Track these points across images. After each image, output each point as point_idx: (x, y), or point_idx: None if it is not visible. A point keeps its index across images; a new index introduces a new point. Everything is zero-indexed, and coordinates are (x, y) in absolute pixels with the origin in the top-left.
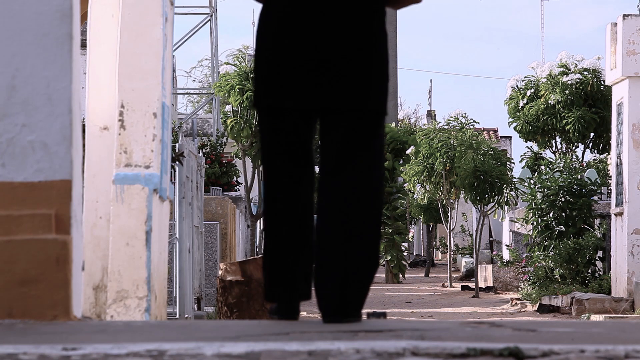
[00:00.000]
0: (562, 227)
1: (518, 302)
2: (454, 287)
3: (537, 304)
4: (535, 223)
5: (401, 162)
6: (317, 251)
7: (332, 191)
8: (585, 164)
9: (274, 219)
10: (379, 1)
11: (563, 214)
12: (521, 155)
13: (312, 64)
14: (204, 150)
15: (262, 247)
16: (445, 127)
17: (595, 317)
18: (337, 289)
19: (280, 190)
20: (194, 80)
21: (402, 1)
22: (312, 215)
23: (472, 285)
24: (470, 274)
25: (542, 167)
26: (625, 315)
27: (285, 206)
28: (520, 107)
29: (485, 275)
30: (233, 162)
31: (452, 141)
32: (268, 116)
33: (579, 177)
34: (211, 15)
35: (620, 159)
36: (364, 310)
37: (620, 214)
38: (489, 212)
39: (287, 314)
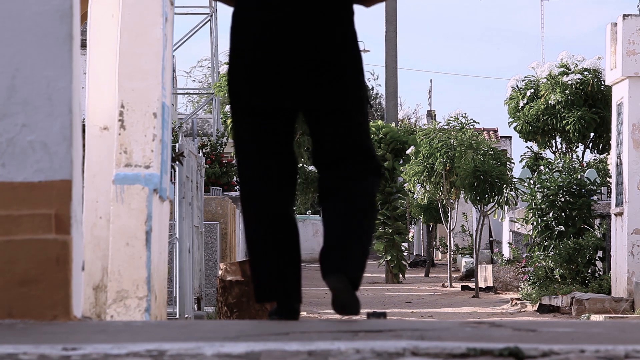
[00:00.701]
0: (561, 227)
1: (518, 302)
2: (454, 287)
3: (537, 304)
4: (535, 223)
5: (401, 162)
6: (325, 232)
7: (329, 184)
8: (585, 164)
9: (256, 219)
10: (346, 4)
11: (563, 214)
12: (521, 155)
13: (287, 64)
14: (204, 150)
15: (246, 248)
16: (445, 127)
17: (595, 317)
18: (340, 252)
19: (261, 190)
20: (194, 81)
21: (369, 3)
22: (293, 213)
23: (472, 285)
24: (470, 274)
25: (542, 167)
26: (625, 315)
27: (267, 206)
28: (520, 107)
29: (485, 275)
30: (233, 162)
31: (452, 141)
32: (246, 116)
33: (578, 177)
34: (211, 15)
35: (620, 159)
36: (364, 310)
37: (620, 214)
38: (489, 212)
39: (287, 314)
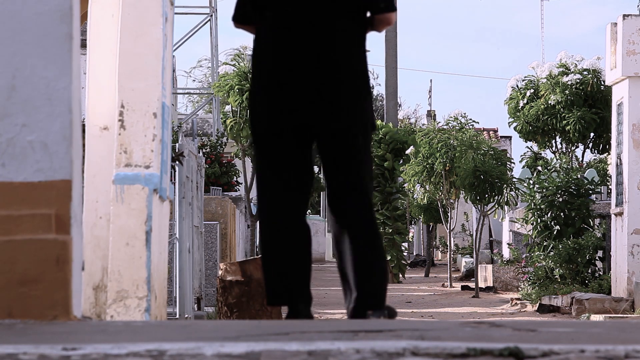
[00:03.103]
0: (560, 226)
1: (518, 302)
2: (454, 287)
3: (537, 304)
4: (534, 223)
5: (401, 162)
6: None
7: (337, 200)
8: (585, 164)
9: (274, 226)
10: (360, 28)
11: (562, 213)
12: (521, 155)
13: (304, 90)
14: (204, 150)
15: (262, 256)
16: (445, 127)
17: (595, 317)
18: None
19: (279, 200)
20: (194, 81)
21: (380, 27)
22: (306, 222)
23: (472, 285)
24: (470, 274)
25: (540, 167)
26: (625, 315)
27: (285, 214)
28: (520, 107)
29: (485, 275)
30: (233, 162)
31: (452, 141)
32: (265, 139)
33: (577, 177)
34: (211, 15)
35: (620, 159)
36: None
37: (620, 214)
38: (489, 212)
39: (298, 317)
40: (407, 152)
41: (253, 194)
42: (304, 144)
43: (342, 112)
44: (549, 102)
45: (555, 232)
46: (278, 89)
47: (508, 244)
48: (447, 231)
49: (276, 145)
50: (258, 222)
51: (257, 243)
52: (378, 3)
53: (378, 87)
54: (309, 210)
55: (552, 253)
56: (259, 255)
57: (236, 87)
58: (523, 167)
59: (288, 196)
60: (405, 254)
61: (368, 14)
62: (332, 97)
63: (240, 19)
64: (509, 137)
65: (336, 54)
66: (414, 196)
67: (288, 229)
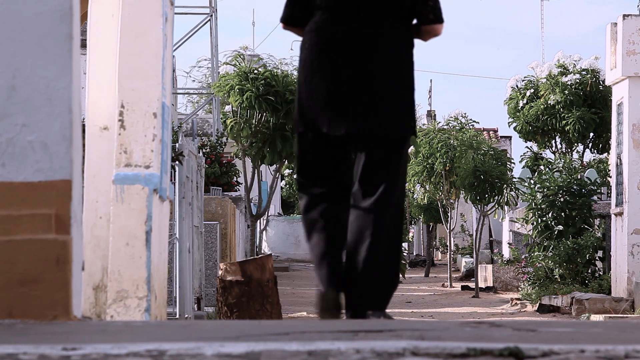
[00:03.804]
0: (561, 227)
1: (518, 302)
2: (454, 287)
3: (537, 304)
4: (535, 223)
5: None
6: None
7: (360, 207)
8: (585, 164)
9: (318, 226)
10: (408, 36)
11: (563, 214)
12: (521, 155)
13: (349, 95)
14: (204, 150)
15: (314, 258)
16: (445, 127)
17: (595, 317)
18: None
19: (320, 210)
20: (194, 81)
21: (427, 37)
22: (346, 229)
23: (472, 285)
24: (470, 274)
25: (542, 167)
26: (625, 315)
27: (327, 222)
28: (520, 108)
29: (485, 275)
30: (233, 162)
31: (452, 141)
32: (308, 142)
33: (578, 177)
34: (211, 15)
35: (620, 159)
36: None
37: (620, 214)
38: (489, 212)
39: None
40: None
41: (253, 194)
42: (348, 147)
43: (388, 119)
44: (549, 102)
45: (556, 232)
46: (326, 94)
47: (508, 243)
48: (447, 231)
49: (322, 148)
50: (303, 223)
51: (257, 243)
52: (427, 14)
53: None
54: None
55: (552, 253)
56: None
57: (236, 87)
58: (523, 167)
59: (331, 199)
60: (405, 254)
61: (415, 22)
62: (379, 104)
63: (289, 20)
64: (509, 137)
65: (385, 62)
66: (414, 196)
67: (330, 230)
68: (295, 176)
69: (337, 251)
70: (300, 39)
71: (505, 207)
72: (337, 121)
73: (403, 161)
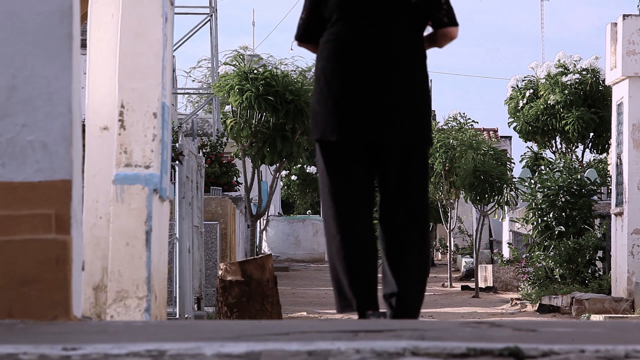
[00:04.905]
0: (562, 227)
1: (518, 302)
2: (454, 287)
3: (537, 304)
4: (535, 223)
5: None
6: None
7: (389, 214)
8: (585, 164)
9: (342, 236)
10: (422, 46)
11: (563, 214)
12: (521, 155)
13: (368, 103)
14: (204, 150)
15: (333, 265)
16: (445, 127)
17: (595, 317)
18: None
19: (346, 219)
20: (194, 81)
21: (443, 41)
22: (374, 235)
23: (472, 285)
24: (470, 274)
25: (542, 167)
26: (625, 315)
27: (353, 230)
28: (520, 108)
29: (485, 275)
30: (233, 162)
31: (451, 141)
32: (329, 150)
33: (578, 177)
34: (211, 16)
35: (620, 159)
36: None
37: (620, 214)
38: (489, 212)
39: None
40: None
41: (253, 193)
42: (368, 156)
43: (405, 127)
44: (549, 102)
45: (556, 232)
46: (344, 104)
47: (508, 243)
48: (447, 231)
49: (344, 158)
50: (325, 229)
51: (257, 243)
52: (442, 17)
53: None
54: (309, 210)
55: (552, 253)
56: (259, 255)
57: (236, 87)
58: (523, 167)
59: (357, 207)
60: None
61: (430, 30)
62: (397, 112)
63: (304, 38)
64: (509, 137)
65: (401, 70)
66: None
67: (357, 239)
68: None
69: (368, 266)
70: (314, 55)
71: (505, 207)
72: (359, 130)
73: (425, 170)
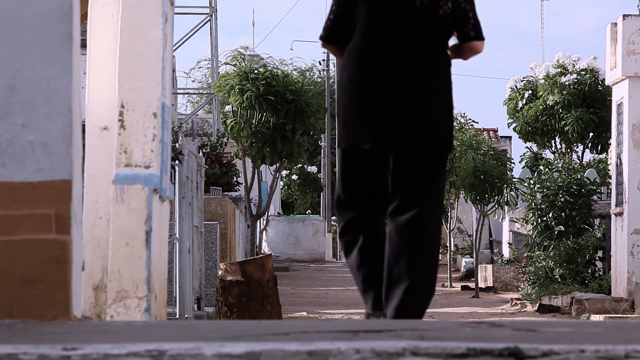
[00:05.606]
0: (561, 227)
1: (518, 302)
2: (454, 287)
3: (537, 304)
4: (535, 223)
5: None
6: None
7: (400, 221)
8: (585, 164)
9: (356, 238)
10: (447, 55)
11: (563, 214)
12: (521, 156)
13: (390, 109)
14: (204, 150)
15: (356, 278)
16: None
17: (595, 317)
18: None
19: (361, 228)
20: (194, 81)
21: (468, 54)
22: (384, 237)
23: (472, 285)
24: (470, 274)
25: (542, 167)
26: (625, 315)
27: (368, 241)
28: (519, 108)
29: (485, 275)
30: (233, 162)
31: None
32: (350, 154)
33: (578, 177)
34: (211, 16)
35: (620, 159)
36: (364, 311)
37: (620, 214)
38: (489, 212)
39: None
40: None
41: (253, 194)
42: (386, 158)
43: (430, 134)
44: (548, 102)
45: (556, 233)
46: (369, 105)
47: (508, 243)
48: (447, 231)
49: (364, 159)
50: (342, 241)
51: (257, 243)
52: (468, 31)
53: None
54: (309, 210)
55: (552, 253)
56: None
57: (236, 87)
58: (523, 167)
59: (371, 216)
60: None
61: (456, 41)
62: (423, 120)
63: (329, 40)
64: (509, 137)
65: (428, 80)
66: None
67: (372, 250)
68: (335, 194)
69: (380, 271)
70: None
71: (505, 207)
72: (383, 136)
73: (442, 176)
